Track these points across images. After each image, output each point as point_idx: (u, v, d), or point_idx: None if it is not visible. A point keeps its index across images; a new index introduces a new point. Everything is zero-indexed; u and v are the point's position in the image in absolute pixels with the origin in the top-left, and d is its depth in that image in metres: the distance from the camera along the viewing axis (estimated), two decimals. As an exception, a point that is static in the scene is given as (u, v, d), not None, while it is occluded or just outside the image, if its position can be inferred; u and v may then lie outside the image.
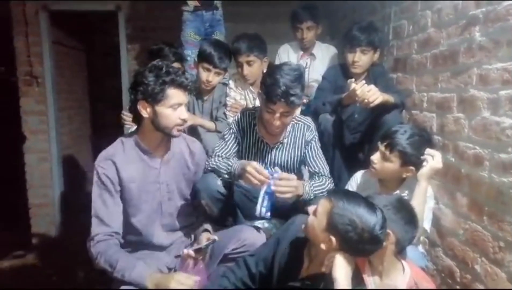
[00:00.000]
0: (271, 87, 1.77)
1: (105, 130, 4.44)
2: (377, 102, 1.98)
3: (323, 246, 1.34)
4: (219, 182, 1.87)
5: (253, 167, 1.73)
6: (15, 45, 3.66)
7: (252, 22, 3.47)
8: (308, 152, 2.05)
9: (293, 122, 2.03)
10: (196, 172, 1.90)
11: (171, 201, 1.82)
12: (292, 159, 2.07)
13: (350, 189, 2.01)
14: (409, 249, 1.59)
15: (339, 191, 1.51)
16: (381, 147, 1.82)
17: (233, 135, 2.05)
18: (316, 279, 1.37)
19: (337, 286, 1.26)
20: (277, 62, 2.94)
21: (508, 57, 1.48)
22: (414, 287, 1.45)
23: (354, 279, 1.33)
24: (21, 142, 3.78)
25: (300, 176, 2.15)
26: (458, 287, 1.77)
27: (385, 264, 1.47)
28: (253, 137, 2.04)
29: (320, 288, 1.34)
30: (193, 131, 2.38)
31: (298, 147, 2.06)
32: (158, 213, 1.79)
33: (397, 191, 1.87)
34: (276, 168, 1.95)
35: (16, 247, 3.62)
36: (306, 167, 2.11)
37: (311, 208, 1.39)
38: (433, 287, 1.53)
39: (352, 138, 2.43)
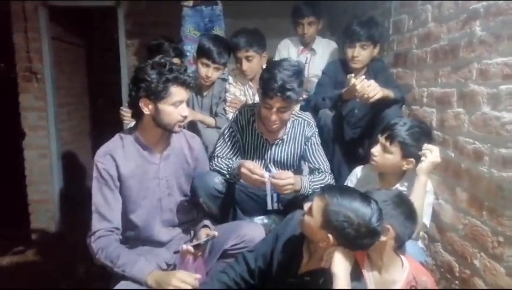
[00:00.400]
0: (268, 82, 1.78)
1: (104, 126, 4.44)
2: (377, 97, 1.98)
3: (321, 243, 1.34)
4: (216, 180, 1.87)
5: (247, 168, 1.75)
6: (14, 41, 3.64)
7: (252, 17, 3.46)
8: (308, 148, 2.05)
9: (292, 118, 2.03)
10: (195, 167, 1.90)
11: (171, 196, 1.82)
12: (292, 155, 2.06)
13: (350, 184, 2.01)
14: (409, 244, 1.59)
15: (332, 187, 1.51)
16: (381, 139, 1.82)
17: (232, 134, 2.05)
18: (315, 274, 1.37)
19: (336, 281, 1.26)
20: (277, 57, 2.93)
21: (509, 51, 1.47)
22: (413, 282, 1.46)
23: (353, 274, 1.33)
24: (21, 138, 3.78)
25: (300, 172, 2.15)
26: (457, 282, 1.77)
27: (385, 259, 1.47)
28: (253, 134, 2.04)
29: (319, 284, 1.34)
30: (192, 126, 2.38)
31: (298, 143, 2.05)
32: (158, 209, 1.79)
33: (397, 185, 1.87)
34: (269, 166, 1.96)
35: (16, 243, 3.62)
36: (306, 163, 2.11)
37: (306, 206, 1.39)
38: (432, 281, 1.53)
39: (352, 133, 2.43)
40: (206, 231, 1.74)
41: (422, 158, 1.75)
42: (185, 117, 1.70)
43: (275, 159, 2.06)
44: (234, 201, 2.02)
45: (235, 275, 1.56)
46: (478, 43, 1.65)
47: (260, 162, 2.06)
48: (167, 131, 1.72)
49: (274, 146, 2.05)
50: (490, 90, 1.57)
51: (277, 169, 2.07)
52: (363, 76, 2.04)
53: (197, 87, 2.50)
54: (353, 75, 2.09)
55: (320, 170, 2.02)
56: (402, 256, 1.51)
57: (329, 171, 2.04)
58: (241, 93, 2.59)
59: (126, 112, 2.44)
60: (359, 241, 1.29)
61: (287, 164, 2.08)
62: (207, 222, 1.81)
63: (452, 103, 1.84)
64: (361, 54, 2.35)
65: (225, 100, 2.55)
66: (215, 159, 2.00)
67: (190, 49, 2.90)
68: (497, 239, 1.51)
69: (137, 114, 1.72)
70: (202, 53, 2.41)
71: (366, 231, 1.27)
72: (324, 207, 1.31)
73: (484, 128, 1.60)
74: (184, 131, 1.92)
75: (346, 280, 1.27)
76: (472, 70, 1.69)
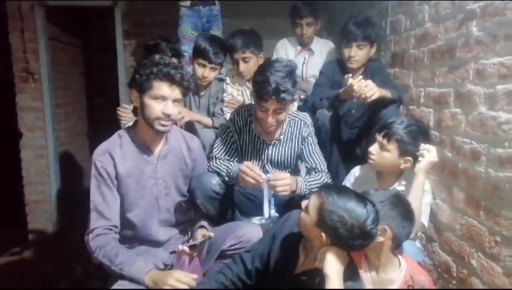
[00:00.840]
0: (262, 85, 1.77)
1: (101, 126, 4.43)
2: (374, 97, 1.98)
3: (315, 242, 1.34)
4: (213, 181, 1.87)
5: (246, 165, 1.75)
6: (11, 41, 3.63)
7: (250, 17, 3.46)
8: (305, 148, 2.05)
9: (289, 118, 2.03)
10: (193, 168, 1.90)
11: (168, 196, 1.82)
12: (290, 155, 2.06)
13: (348, 184, 2.01)
14: (406, 244, 1.59)
15: (330, 186, 1.51)
16: (379, 137, 1.83)
17: (229, 134, 2.04)
18: (311, 274, 1.37)
19: (327, 281, 1.26)
20: (274, 57, 2.93)
21: (505, 51, 1.48)
22: (410, 282, 1.46)
23: (350, 274, 1.33)
24: (18, 138, 3.76)
25: (297, 172, 2.15)
26: (454, 281, 1.77)
27: (382, 259, 1.47)
28: (250, 134, 2.04)
29: (315, 284, 1.34)
30: (190, 127, 2.37)
31: (295, 143, 2.05)
32: (155, 209, 1.79)
33: (396, 184, 1.87)
34: (266, 167, 1.96)
35: (13, 244, 3.61)
36: (303, 163, 2.11)
37: (304, 203, 1.39)
38: (430, 281, 1.54)
39: (349, 134, 2.43)
40: (202, 232, 1.74)
41: (420, 158, 1.75)
42: (167, 115, 1.64)
43: (273, 159, 2.06)
44: (232, 201, 2.02)
45: (232, 275, 1.56)
46: (475, 43, 1.65)
47: (257, 162, 2.05)
48: (151, 128, 1.68)
49: (271, 147, 2.05)
50: (487, 90, 1.57)
51: (274, 169, 2.07)
52: (361, 76, 2.05)
53: (195, 87, 2.50)
54: (350, 75, 2.09)
55: (317, 170, 2.02)
56: (399, 256, 1.52)
57: (326, 171, 2.05)
58: (239, 93, 2.58)
59: (123, 113, 2.44)
60: (352, 242, 1.29)
61: (285, 164, 2.08)
62: (203, 223, 1.81)
63: (449, 103, 1.84)
64: (357, 54, 2.35)
65: (222, 100, 2.55)
66: (213, 160, 2.00)
67: (187, 49, 2.90)
68: (494, 238, 1.51)
69: (136, 111, 1.73)
70: (198, 53, 2.41)
71: (359, 232, 1.27)
72: (320, 206, 1.31)
73: (481, 128, 1.60)
74: (183, 132, 1.92)
75: (338, 280, 1.27)
76: (469, 70, 1.69)
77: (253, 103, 2.19)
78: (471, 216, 1.66)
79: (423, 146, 1.76)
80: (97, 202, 1.67)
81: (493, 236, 1.52)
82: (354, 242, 1.29)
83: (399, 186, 1.87)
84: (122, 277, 1.54)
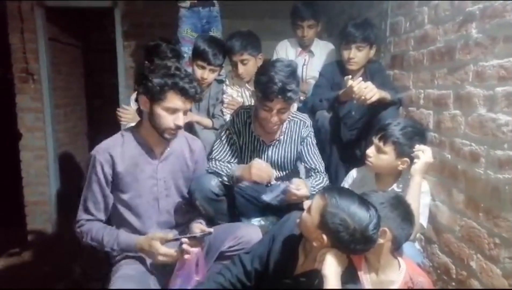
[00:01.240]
0: (267, 85, 1.77)
1: (101, 127, 4.41)
2: (374, 99, 1.98)
3: (315, 243, 1.34)
4: (213, 183, 1.87)
5: (258, 162, 1.80)
6: (11, 41, 3.63)
7: (250, 19, 3.46)
8: (304, 148, 2.05)
9: (289, 119, 2.03)
10: (195, 170, 1.90)
11: (169, 197, 1.82)
12: (289, 156, 2.07)
13: (346, 186, 2.01)
14: (405, 246, 1.59)
15: (333, 188, 1.50)
16: (375, 140, 1.84)
17: (229, 136, 2.04)
18: (310, 275, 1.37)
19: (326, 282, 1.26)
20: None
21: (505, 53, 1.48)
22: (410, 283, 1.46)
23: (350, 276, 1.33)
24: (17, 139, 3.76)
25: (296, 173, 2.15)
26: (453, 283, 1.77)
27: (382, 261, 1.48)
28: (249, 136, 2.04)
29: (314, 285, 1.34)
30: (190, 128, 2.37)
31: (294, 144, 2.06)
32: (155, 210, 1.79)
33: (394, 186, 1.87)
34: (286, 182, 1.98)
35: (12, 245, 3.61)
36: (302, 163, 2.11)
37: (306, 204, 1.39)
38: (429, 282, 1.54)
39: (349, 135, 2.43)
40: (201, 226, 1.74)
41: (415, 160, 1.76)
42: (178, 127, 1.68)
43: (272, 160, 2.06)
44: (231, 203, 2.01)
45: (231, 277, 1.56)
46: (474, 45, 1.65)
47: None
48: (159, 134, 1.71)
49: (271, 147, 2.05)
50: (486, 92, 1.57)
51: (274, 170, 2.07)
52: (360, 78, 2.05)
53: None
54: (350, 77, 2.10)
55: (315, 170, 2.03)
56: (399, 258, 1.52)
57: (324, 172, 2.05)
58: (238, 94, 2.58)
59: (123, 114, 2.44)
60: (353, 246, 1.28)
61: (284, 165, 2.08)
62: (200, 220, 1.82)
63: (448, 105, 1.84)
64: (356, 55, 2.35)
65: (222, 102, 2.55)
66: (212, 162, 2.00)
67: (187, 50, 2.89)
68: (494, 240, 1.51)
69: (140, 111, 1.74)
70: (197, 55, 2.40)
71: (360, 237, 1.26)
72: (323, 207, 1.30)
73: (480, 130, 1.60)
74: (186, 134, 1.93)
75: (336, 282, 1.27)
76: (468, 72, 1.69)
77: (253, 104, 2.20)
78: (471, 218, 1.66)
79: (418, 147, 1.77)
80: (85, 197, 1.74)
81: (492, 238, 1.52)
82: (355, 246, 1.28)
83: (397, 188, 1.87)
84: (122, 251, 1.68)
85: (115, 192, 1.74)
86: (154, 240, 1.59)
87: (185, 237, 1.60)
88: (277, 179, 2.05)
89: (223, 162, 2.00)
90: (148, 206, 1.77)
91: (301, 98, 2.71)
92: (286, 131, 2.05)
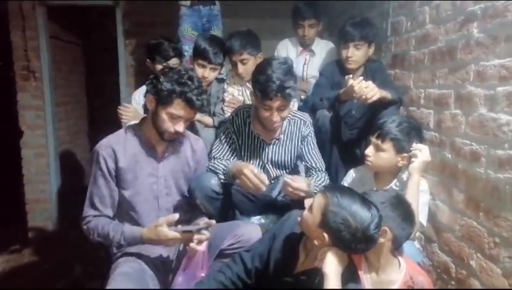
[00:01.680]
0: (266, 84, 1.77)
1: (102, 125, 4.40)
2: (374, 98, 1.98)
3: (316, 242, 1.34)
4: (213, 181, 1.87)
5: (251, 170, 1.75)
6: (12, 39, 3.62)
7: (250, 18, 3.46)
8: (304, 147, 2.05)
9: (289, 118, 2.03)
10: (196, 169, 1.91)
11: (169, 196, 1.82)
12: (289, 155, 2.07)
13: (346, 185, 2.01)
14: (405, 245, 1.59)
15: (335, 187, 1.50)
16: (373, 139, 1.85)
17: (229, 135, 2.05)
18: (311, 274, 1.37)
19: (326, 281, 1.26)
20: (275, 58, 2.92)
21: (506, 53, 1.48)
22: (410, 283, 1.46)
23: (350, 275, 1.34)
24: (18, 137, 3.76)
25: (296, 172, 2.15)
26: (453, 282, 1.77)
27: (382, 261, 1.48)
28: (249, 135, 2.04)
29: (314, 284, 1.34)
30: (190, 126, 2.37)
31: (294, 143, 2.06)
32: (155, 208, 1.79)
33: (392, 183, 1.87)
34: (267, 167, 1.96)
35: (13, 242, 3.61)
36: (302, 162, 2.11)
37: (307, 202, 1.39)
38: (429, 281, 1.54)
39: (349, 134, 2.43)
40: (206, 220, 1.73)
41: (413, 159, 1.76)
42: (178, 133, 1.69)
43: (273, 159, 2.06)
44: (231, 201, 2.02)
45: (231, 275, 1.56)
46: (476, 44, 1.65)
47: (257, 162, 2.06)
48: (158, 133, 1.73)
49: (271, 146, 2.05)
50: (487, 92, 1.57)
51: (275, 169, 2.07)
52: (361, 78, 2.05)
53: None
54: (351, 76, 2.10)
55: (316, 169, 2.03)
56: (399, 257, 1.52)
57: (325, 171, 2.05)
58: (239, 93, 2.59)
59: (124, 112, 2.44)
60: (354, 245, 1.29)
61: (284, 164, 2.08)
62: (203, 218, 1.82)
63: (449, 104, 1.84)
64: (355, 54, 2.35)
65: (223, 100, 2.55)
66: (212, 160, 2.00)
67: (187, 49, 2.89)
68: (494, 240, 1.52)
69: (146, 107, 1.76)
70: (198, 53, 2.40)
71: (362, 236, 1.26)
72: (324, 206, 1.31)
73: (481, 129, 1.61)
74: (189, 133, 1.93)
75: (337, 280, 1.28)
76: (469, 71, 1.70)
77: (251, 104, 2.20)
78: (471, 217, 1.67)
79: (415, 146, 1.78)
80: (91, 193, 1.72)
81: (492, 237, 1.53)
82: (356, 245, 1.29)
83: (395, 187, 1.87)
84: (129, 245, 1.67)
85: (117, 188, 1.75)
86: (159, 226, 1.57)
87: (188, 229, 1.59)
88: (277, 178, 2.05)
89: (222, 160, 2.01)
90: (147, 204, 1.77)
91: (302, 97, 2.71)
92: (286, 130, 2.05)
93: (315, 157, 2.04)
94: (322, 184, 1.94)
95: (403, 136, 1.79)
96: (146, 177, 1.76)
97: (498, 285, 1.49)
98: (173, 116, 1.65)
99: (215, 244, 1.73)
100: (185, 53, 2.89)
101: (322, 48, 2.95)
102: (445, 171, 1.87)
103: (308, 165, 2.05)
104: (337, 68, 2.50)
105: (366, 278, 1.48)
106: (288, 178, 1.77)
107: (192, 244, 1.59)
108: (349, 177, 2.05)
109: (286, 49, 2.97)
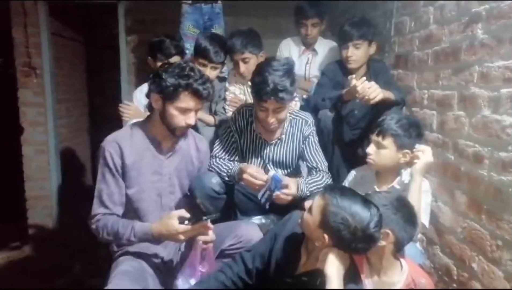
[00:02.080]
0: (260, 86, 1.78)
1: (103, 123, 4.41)
2: (377, 99, 1.97)
3: (317, 243, 1.34)
4: (214, 180, 1.87)
5: (250, 174, 1.77)
6: (14, 36, 3.61)
7: (252, 16, 3.45)
8: (306, 147, 2.05)
9: (290, 118, 2.03)
10: (199, 169, 1.91)
11: (172, 194, 1.82)
12: (291, 154, 2.06)
13: (347, 185, 2.00)
14: (407, 246, 1.58)
15: (334, 188, 1.50)
16: (374, 137, 1.84)
17: (230, 134, 2.04)
18: (312, 275, 1.37)
19: (328, 282, 1.26)
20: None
21: (510, 55, 1.47)
22: (412, 285, 1.46)
23: (352, 277, 1.33)
24: (19, 133, 3.76)
25: (298, 172, 2.15)
26: (454, 285, 1.77)
27: (384, 263, 1.47)
28: (251, 134, 2.04)
29: (316, 284, 1.34)
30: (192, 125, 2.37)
31: (296, 142, 2.05)
32: (158, 205, 1.79)
33: (394, 182, 1.86)
34: (268, 167, 1.95)
35: (13, 239, 3.61)
36: (304, 162, 2.11)
37: (307, 203, 1.39)
38: (431, 283, 1.53)
39: (352, 134, 2.42)
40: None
41: (415, 160, 1.75)
42: (189, 125, 1.70)
43: (274, 159, 2.06)
44: (232, 201, 2.01)
45: (232, 275, 1.56)
46: (480, 46, 1.64)
47: (259, 162, 2.05)
48: (169, 131, 1.72)
49: (272, 146, 2.05)
50: (491, 93, 1.56)
51: (276, 169, 2.06)
52: (364, 78, 2.04)
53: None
54: (353, 76, 2.09)
55: (318, 169, 2.02)
56: (401, 259, 1.51)
57: (327, 171, 2.04)
58: (241, 92, 2.58)
59: (125, 110, 2.44)
60: (354, 245, 1.29)
61: (286, 164, 2.08)
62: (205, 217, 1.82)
63: (452, 105, 1.84)
64: (354, 53, 2.34)
65: (224, 99, 2.55)
66: (213, 159, 2.00)
67: (189, 47, 2.88)
68: (496, 242, 1.51)
69: (151, 107, 1.74)
70: (198, 52, 2.39)
71: (362, 235, 1.26)
72: (324, 207, 1.30)
73: (484, 131, 1.60)
74: (194, 133, 1.93)
75: (338, 281, 1.27)
76: (473, 73, 1.69)
77: (253, 103, 2.19)
78: (473, 220, 1.66)
79: (418, 147, 1.77)
80: (100, 190, 1.70)
81: (494, 240, 1.52)
82: (357, 245, 1.28)
83: (397, 186, 1.87)
84: (140, 241, 1.65)
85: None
86: (171, 219, 1.55)
87: (192, 222, 1.58)
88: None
89: (224, 160, 2.00)
90: (150, 201, 1.77)
91: (304, 96, 2.70)
92: (288, 130, 2.04)
93: (317, 157, 2.04)
94: (319, 183, 1.93)
95: (403, 131, 1.79)
96: (151, 175, 1.75)
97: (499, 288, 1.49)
98: (182, 110, 1.65)
99: (215, 244, 1.73)
100: (187, 51, 2.88)
101: (325, 47, 2.93)
102: (447, 172, 1.86)
103: (309, 165, 2.05)
104: (339, 67, 2.50)
105: (368, 280, 1.48)
106: (277, 195, 1.78)
107: (200, 242, 1.59)
108: (351, 177, 2.04)
109: (289, 48, 2.96)
